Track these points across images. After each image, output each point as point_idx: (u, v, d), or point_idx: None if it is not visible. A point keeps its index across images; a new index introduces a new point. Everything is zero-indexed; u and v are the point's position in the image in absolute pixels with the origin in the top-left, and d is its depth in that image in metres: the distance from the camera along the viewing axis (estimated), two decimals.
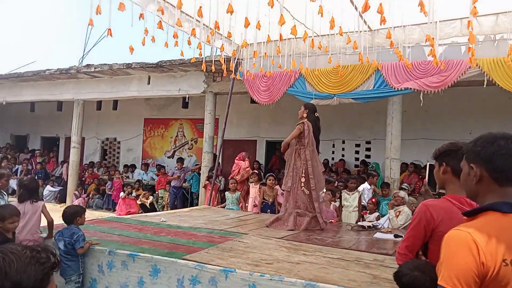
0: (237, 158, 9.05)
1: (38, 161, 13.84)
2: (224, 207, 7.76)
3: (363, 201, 7.06)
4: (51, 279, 1.00)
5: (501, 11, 5.54)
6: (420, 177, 8.26)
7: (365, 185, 7.54)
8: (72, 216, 3.82)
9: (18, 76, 11.97)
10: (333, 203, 6.65)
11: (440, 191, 2.12)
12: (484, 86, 6.31)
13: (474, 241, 1.22)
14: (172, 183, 10.55)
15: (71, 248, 3.65)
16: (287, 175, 5.41)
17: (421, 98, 6.70)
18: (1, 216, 3.36)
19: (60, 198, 12.03)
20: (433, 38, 5.35)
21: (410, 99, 7.53)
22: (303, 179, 5.24)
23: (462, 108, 9.00)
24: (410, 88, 6.75)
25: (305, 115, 5.46)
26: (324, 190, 5.55)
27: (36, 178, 11.27)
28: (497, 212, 1.30)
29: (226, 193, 7.75)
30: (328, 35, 6.30)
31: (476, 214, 1.35)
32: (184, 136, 13.12)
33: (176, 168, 10.91)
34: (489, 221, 1.29)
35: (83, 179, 12.30)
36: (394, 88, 6.90)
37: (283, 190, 5.53)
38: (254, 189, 7.49)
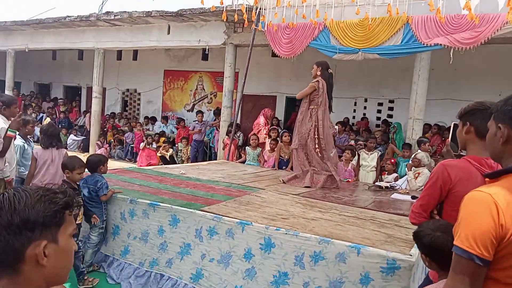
0: (261, 113, 9.09)
1: (61, 110, 14.11)
2: (243, 162, 7.84)
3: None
4: (66, 218, 0.98)
5: None
6: (443, 138, 8.06)
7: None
8: (96, 164, 3.92)
9: (40, 23, 11.89)
10: (351, 162, 6.62)
11: (461, 152, 2.07)
12: None
13: (494, 202, 1.20)
14: (194, 137, 10.62)
15: (95, 195, 3.79)
16: (297, 133, 5.38)
17: (451, 56, 6.36)
18: (71, 166, 3.56)
19: (83, 147, 12.37)
20: None
21: (439, 57, 7.17)
22: (316, 140, 5.20)
23: (493, 68, 8.55)
24: (441, 44, 6.39)
25: (318, 73, 5.30)
26: (334, 150, 5.51)
27: (58, 125, 11.58)
28: None
29: (247, 148, 7.78)
30: None
31: (499, 176, 1.31)
32: (204, 90, 13.05)
33: (197, 122, 10.93)
34: (511, 183, 1.25)
35: (105, 129, 12.53)
36: (424, 44, 6.54)
37: (293, 148, 5.51)
38: (270, 145, 7.50)
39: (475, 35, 6.14)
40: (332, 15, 6.58)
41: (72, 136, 12.63)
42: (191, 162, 9.51)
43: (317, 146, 5.25)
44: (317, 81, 5.22)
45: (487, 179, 1.37)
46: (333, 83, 5.49)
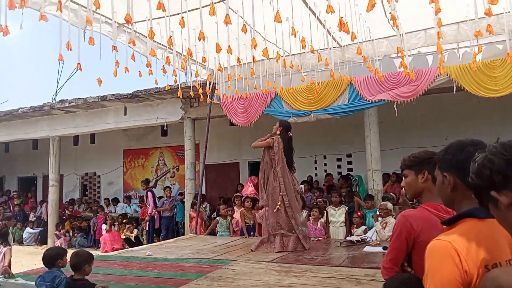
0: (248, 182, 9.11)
1: (15, 203, 13.38)
2: (213, 233, 7.64)
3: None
4: None
5: (461, 20, 5.78)
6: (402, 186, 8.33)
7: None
8: (53, 258, 3.66)
9: None
10: (320, 220, 6.63)
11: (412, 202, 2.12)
12: (454, 92, 6.51)
13: (455, 249, 1.22)
14: (164, 214, 10.18)
15: None
16: (263, 194, 5.41)
17: (395, 109, 6.85)
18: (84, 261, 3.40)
19: (41, 239, 11.59)
20: (403, 50, 5.53)
21: (386, 110, 7.69)
22: (280, 198, 5.22)
23: (436, 115, 9.23)
24: (384, 100, 6.90)
25: (278, 132, 5.48)
26: (303, 212, 5.55)
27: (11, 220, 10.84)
28: (474, 218, 1.32)
29: (218, 218, 7.64)
30: (300, 53, 6.42)
31: (455, 222, 1.36)
32: (165, 165, 12.96)
33: (165, 199, 10.59)
34: (467, 228, 1.30)
35: (64, 218, 11.91)
36: (368, 101, 7.04)
37: (261, 210, 5.50)
38: (237, 213, 7.42)
39: (413, 89, 6.71)
40: (281, 83, 7.00)
41: (28, 229, 11.87)
42: (162, 240, 9.08)
43: (279, 204, 5.24)
44: (272, 138, 5.36)
45: (444, 226, 1.41)
46: (292, 146, 5.62)
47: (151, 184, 12.87)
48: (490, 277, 0.90)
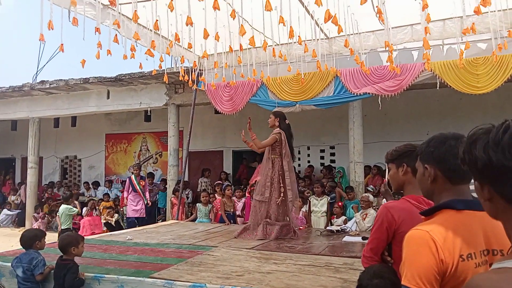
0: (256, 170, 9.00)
1: None
2: (194, 220, 7.64)
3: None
4: None
5: (447, 17, 5.86)
6: (383, 179, 8.49)
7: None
8: (31, 240, 3.62)
9: None
10: (301, 209, 6.71)
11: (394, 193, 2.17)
12: (437, 88, 6.62)
13: (432, 239, 1.26)
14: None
15: (30, 274, 3.45)
16: (264, 185, 5.32)
17: (379, 102, 6.94)
18: (76, 241, 3.55)
19: (18, 221, 11.39)
20: (391, 44, 5.57)
21: (370, 104, 7.78)
22: (282, 189, 5.21)
23: (418, 110, 9.39)
24: (368, 93, 6.97)
25: (277, 123, 5.38)
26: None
27: None
28: (452, 209, 1.36)
29: (198, 204, 7.64)
30: (287, 43, 6.41)
31: (433, 213, 1.40)
32: (148, 150, 12.84)
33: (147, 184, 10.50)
34: (445, 219, 1.33)
35: (43, 200, 11.71)
36: (353, 93, 7.10)
37: (257, 200, 5.43)
38: (218, 200, 7.44)
39: (398, 83, 6.79)
40: (268, 72, 6.98)
41: (5, 211, 11.64)
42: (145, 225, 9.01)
43: (281, 196, 5.22)
44: (279, 132, 5.28)
45: (423, 216, 1.44)
46: (292, 132, 5.57)
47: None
48: (473, 284, 0.92)
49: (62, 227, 7.27)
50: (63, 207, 7.49)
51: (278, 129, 5.33)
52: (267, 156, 5.35)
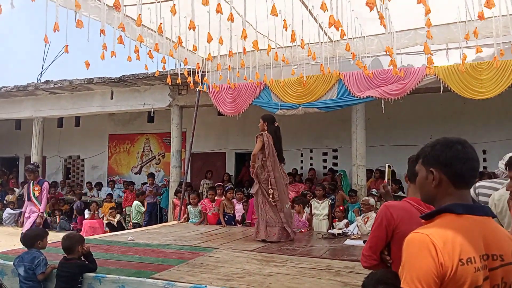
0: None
1: None
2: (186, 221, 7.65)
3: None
4: None
5: (450, 21, 5.85)
6: (384, 180, 8.45)
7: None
8: (33, 239, 3.65)
9: None
10: (305, 213, 6.71)
11: (395, 194, 2.19)
12: (441, 92, 6.61)
13: (432, 242, 1.26)
14: (147, 200, 10.16)
15: (32, 273, 3.47)
16: (258, 186, 5.40)
17: (383, 106, 6.93)
18: (81, 240, 3.64)
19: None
20: (392, 49, 5.57)
21: (373, 107, 7.77)
22: (270, 191, 5.27)
23: (421, 114, 9.37)
24: (372, 96, 6.97)
25: (265, 127, 5.49)
26: (289, 203, 5.60)
27: None
28: (452, 213, 1.36)
29: (188, 206, 7.65)
30: (291, 46, 6.42)
31: (433, 217, 1.40)
32: (151, 151, 12.88)
33: (148, 185, 10.61)
34: (445, 223, 1.34)
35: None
36: (357, 97, 7.09)
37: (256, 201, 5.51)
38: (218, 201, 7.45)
39: (401, 87, 6.79)
40: (271, 75, 6.99)
41: (8, 210, 11.67)
42: (145, 226, 9.06)
43: (270, 196, 5.29)
44: (261, 134, 5.38)
45: (423, 220, 1.44)
46: (280, 135, 5.63)
47: (136, 170, 12.83)
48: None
49: (133, 221, 7.55)
50: (135, 203, 7.81)
51: (262, 132, 5.42)
52: (261, 159, 5.43)
